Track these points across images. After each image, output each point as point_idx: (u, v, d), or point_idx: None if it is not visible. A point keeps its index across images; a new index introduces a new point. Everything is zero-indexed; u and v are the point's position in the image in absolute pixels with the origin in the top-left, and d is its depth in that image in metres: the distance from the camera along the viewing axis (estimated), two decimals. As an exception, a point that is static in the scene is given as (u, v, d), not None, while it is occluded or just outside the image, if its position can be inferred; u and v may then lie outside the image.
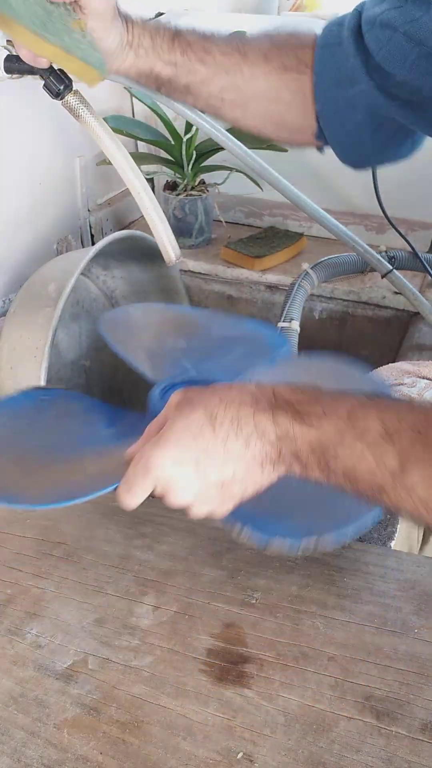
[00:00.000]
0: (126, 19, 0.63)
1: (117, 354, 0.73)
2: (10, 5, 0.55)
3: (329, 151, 1.28)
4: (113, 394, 1.23)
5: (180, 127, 1.21)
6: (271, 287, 1.22)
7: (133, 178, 0.67)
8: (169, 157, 1.25)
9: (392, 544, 0.65)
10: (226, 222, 1.37)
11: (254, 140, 1.25)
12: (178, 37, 0.65)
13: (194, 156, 1.23)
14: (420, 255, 1.10)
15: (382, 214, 1.06)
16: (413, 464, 0.38)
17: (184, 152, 1.21)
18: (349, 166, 0.72)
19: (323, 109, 0.66)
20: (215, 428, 0.43)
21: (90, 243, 1.27)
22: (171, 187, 1.28)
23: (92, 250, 0.87)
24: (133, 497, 0.46)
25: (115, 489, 0.47)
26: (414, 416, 0.40)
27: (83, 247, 1.26)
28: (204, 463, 0.43)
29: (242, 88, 0.67)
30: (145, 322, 0.82)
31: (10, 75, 0.68)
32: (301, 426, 0.42)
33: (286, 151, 1.28)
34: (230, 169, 1.23)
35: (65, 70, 0.62)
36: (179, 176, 1.27)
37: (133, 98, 1.34)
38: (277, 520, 0.51)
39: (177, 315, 0.84)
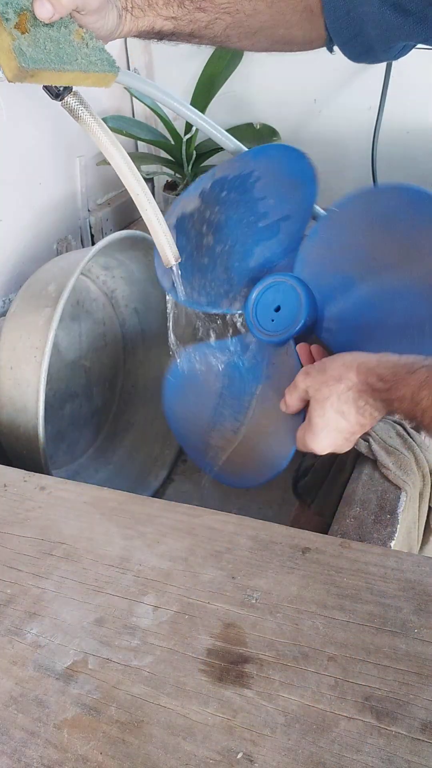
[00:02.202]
0: None
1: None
2: (30, 58, 0.55)
3: (329, 152, 1.28)
4: (113, 394, 1.23)
5: (180, 127, 1.21)
6: (271, 287, 1.22)
7: (132, 180, 0.67)
8: (169, 157, 1.25)
9: (392, 544, 0.65)
10: (226, 222, 1.37)
11: (254, 140, 1.25)
12: None
13: (194, 156, 1.23)
14: (420, 255, 1.10)
15: (382, 214, 1.06)
16: None
17: (184, 152, 1.21)
18: (359, 63, 0.73)
19: (334, 25, 0.66)
20: (347, 419, 0.63)
21: (90, 243, 1.27)
22: (171, 187, 1.28)
23: (92, 250, 0.87)
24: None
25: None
26: None
27: (83, 247, 1.26)
28: (345, 437, 0.64)
29: (247, 23, 0.67)
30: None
31: (10, 75, 0.67)
32: (391, 408, 0.60)
33: (286, 151, 1.28)
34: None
35: (85, 86, 0.62)
36: (179, 176, 1.27)
37: (133, 98, 1.34)
38: None
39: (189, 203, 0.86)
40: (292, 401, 0.67)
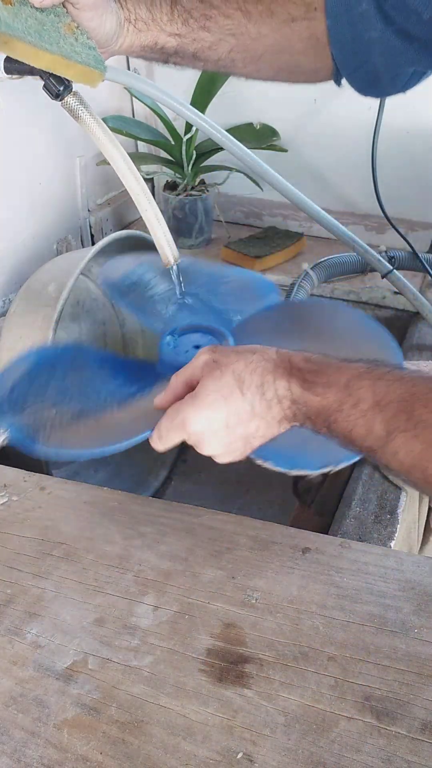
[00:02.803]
0: None
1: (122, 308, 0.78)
2: (5, 23, 0.55)
3: (329, 152, 1.28)
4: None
5: (180, 127, 1.21)
6: (271, 287, 1.22)
7: (131, 180, 0.67)
8: (169, 157, 1.25)
9: (392, 544, 0.66)
10: (226, 222, 1.37)
11: (254, 140, 1.26)
12: (176, 5, 0.64)
13: (194, 156, 1.23)
14: (420, 255, 1.10)
15: (382, 214, 1.06)
16: (397, 433, 0.44)
17: (184, 152, 1.21)
18: (367, 96, 0.71)
19: (340, 53, 0.65)
20: (243, 392, 0.50)
21: (90, 243, 1.27)
22: (171, 187, 1.28)
23: (92, 250, 0.87)
24: (163, 446, 0.55)
25: (148, 437, 0.55)
26: (403, 387, 0.45)
27: (83, 247, 1.26)
28: (233, 421, 0.51)
29: (251, 47, 0.66)
30: (137, 276, 0.84)
31: (10, 75, 0.67)
32: (310, 394, 0.48)
33: (285, 151, 1.28)
34: (230, 169, 1.23)
35: (66, 77, 0.62)
36: (179, 176, 1.27)
37: (133, 98, 1.34)
38: (295, 452, 0.58)
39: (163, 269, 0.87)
40: (176, 383, 0.55)
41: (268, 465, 0.59)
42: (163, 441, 0.54)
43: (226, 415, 0.51)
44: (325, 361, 0.50)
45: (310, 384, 0.49)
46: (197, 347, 0.70)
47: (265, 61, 0.68)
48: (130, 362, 0.79)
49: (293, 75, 0.71)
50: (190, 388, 0.54)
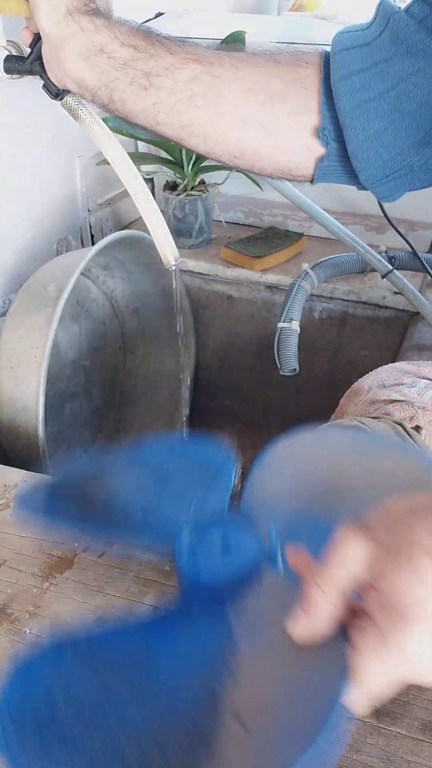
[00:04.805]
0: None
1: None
2: None
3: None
4: (113, 394, 1.24)
5: (180, 127, 1.21)
6: (271, 287, 1.22)
7: (131, 180, 0.67)
8: (169, 157, 1.25)
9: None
10: (226, 222, 1.37)
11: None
12: (146, 28, 0.56)
13: (194, 156, 1.23)
14: (420, 255, 1.10)
15: (382, 214, 1.06)
16: None
17: (184, 152, 1.21)
18: (375, 190, 0.59)
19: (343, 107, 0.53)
20: None
21: (90, 243, 1.27)
22: (171, 187, 1.28)
23: (92, 250, 0.87)
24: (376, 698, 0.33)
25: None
26: None
27: (83, 247, 1.26)
28: None
29: (219, 77, 0.54)
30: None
31: (10, 75, 0.68)
32: None
33: (286, 151, 1.28)
34: (230, 169, 1.23)
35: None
36: (179, 176, 1.27)
37: (133, 98, 1.34)
38: None
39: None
40: (323, 603, 0.33)
41: None
42: (380, 697, 0.32)
43: None
44: None
45: None
46: (227, 547, 0.46)
47: (231, 103, 0.55)
48: (160, 621, 0.46)
49: (263, 132, 0.56)
50: (350, 601, 0.34)
